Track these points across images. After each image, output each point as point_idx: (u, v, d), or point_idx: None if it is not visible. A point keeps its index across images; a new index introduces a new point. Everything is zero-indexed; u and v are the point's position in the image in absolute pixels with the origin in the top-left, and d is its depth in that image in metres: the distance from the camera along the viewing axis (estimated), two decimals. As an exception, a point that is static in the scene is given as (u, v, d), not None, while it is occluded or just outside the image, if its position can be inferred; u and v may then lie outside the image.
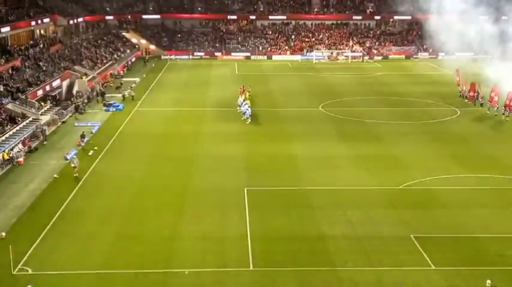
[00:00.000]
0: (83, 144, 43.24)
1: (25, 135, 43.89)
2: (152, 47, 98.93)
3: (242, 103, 53.61)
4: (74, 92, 61.02)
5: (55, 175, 36.77)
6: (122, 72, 79.74)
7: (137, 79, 73.63)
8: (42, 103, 52.58)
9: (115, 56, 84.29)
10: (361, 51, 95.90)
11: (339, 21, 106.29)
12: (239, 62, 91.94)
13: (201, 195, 33.42)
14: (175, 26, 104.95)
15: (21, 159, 39.91)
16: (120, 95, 62.11)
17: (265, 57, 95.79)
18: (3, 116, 44.87)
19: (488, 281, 22.83)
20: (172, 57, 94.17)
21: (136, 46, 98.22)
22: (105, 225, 29.39)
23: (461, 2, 65.51)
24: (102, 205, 32.13)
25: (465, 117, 52.88)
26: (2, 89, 49.57)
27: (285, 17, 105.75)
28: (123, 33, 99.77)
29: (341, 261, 25.70)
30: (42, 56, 64.47)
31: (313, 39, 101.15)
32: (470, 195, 33.60)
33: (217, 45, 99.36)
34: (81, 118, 53.08)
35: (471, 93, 58.71)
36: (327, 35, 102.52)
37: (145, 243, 27.34)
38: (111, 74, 75.61)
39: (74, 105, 55.77)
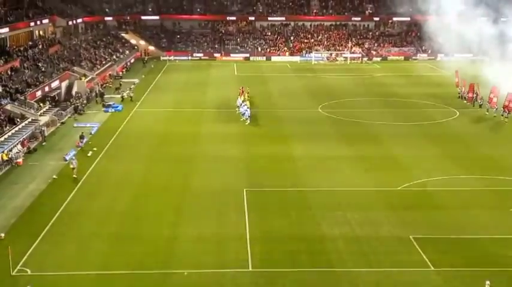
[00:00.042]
0: (82, 145, 43.21)
1: (24, 136, 43.85)
2: (151, 48, 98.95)
3: (241, 104, 53.61)
4: (73, 93, 60.98)
5: (54, 176, 36.75)
6: (121, 73, 79.73)
7: (136, 80, 73.66)
8: (41, 104, 52.52)
9: (114, 57, 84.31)
10: (360, 53, 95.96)
11: (337, 23, 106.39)
12: (238, 63, 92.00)
13: (200, 196, 33.41)
14: (174, 27, 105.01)
15: (20, 160, 39.88)
16: (119, 95, 62.11)
17: (264, 58, 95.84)
18: (2, 117, 44.81)
19: (488, 282, 22.80)
20: (172, 58, 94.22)
21: (136, 47, 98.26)
22: (104, 226, 29.37)
23: (460, 3, 65.61)
24: (101, 205, 32.12)
25: (464, 119, 52.93)
26: (1, 90, 49.53)
27: (284, 18, 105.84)
28: (122, 34, 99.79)
29: (340, 262, 25.70)
30: (41, 57, 64.44)
31: (312, 40, 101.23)
32: (470, 196, 33.62)
33: (216, 46, 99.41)
34: (80, 119, 53.06)
35: (470, 95, 58.77)
36: (325, 36, 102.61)
37: (145, 244, 27.32)
38: (110, 75, 75.61)
39: (73, 106, 55.75)
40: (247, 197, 33.04)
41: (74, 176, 36.25)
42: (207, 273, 24.71)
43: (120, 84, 68.23)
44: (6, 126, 43.86)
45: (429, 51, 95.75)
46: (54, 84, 58.59)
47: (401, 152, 42.10)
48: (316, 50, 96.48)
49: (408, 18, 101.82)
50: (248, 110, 51.36)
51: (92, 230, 28.92)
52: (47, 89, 56.47)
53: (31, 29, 70.23)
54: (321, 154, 41.79)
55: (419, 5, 76.25)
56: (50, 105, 53.90)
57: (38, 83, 55.74)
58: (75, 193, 34.02)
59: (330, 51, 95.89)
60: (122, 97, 60.99)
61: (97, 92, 62.84)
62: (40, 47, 67.73)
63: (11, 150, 40.42)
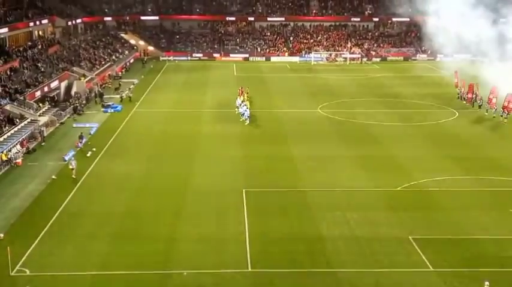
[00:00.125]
0: (81, 145, 43.17)
1: (23, 137, 43.84)
2: (151, 48, 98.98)
3: (241, 104, 53.60)
4: (73, 93, 60.98)
5: (53, 176, 36.72)
6: (120, 73, 79.72)
7: (135, 80, 73.67)
8: (41, 104, 52.55)
9: (113, 57, 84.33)
10: (359, 53, 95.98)
11: (337, 23, 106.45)
12: (237, 63, 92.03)
13: (200, 196, 33.38)
14: (173, 27, 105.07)
15: (19, 160, 39.84)
16: (118, 96, 62.09)
17: (264, 58, 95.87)
18: (1, 117, 44.81)
19: (487, 283, 22.78)
20: (171, 58, 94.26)
21: (135, 47, 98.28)
22: (103, 226, 29.34)
23: (459, 4, 65.57)
24: (100, 206, 32.10)
25: (463, 119, 52.94)
26: (0, 90, 49.53)
27: (283, 19, 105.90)
28: (122, 35, 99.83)
29: (339, 262, 25.69)
30: (41, 57, 64.43)
31: (312, 40, 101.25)
32: (469, 197, 33.61)
33: (215, 46, 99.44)
34: (80, 119, 53.04)
35: (469, 95, 58.78)
36: (325, 36, 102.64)
37: (144, 244, 27.29)
38: (109, 75, 75.59)
39: (72, 106, 55.72)
40: (247, 198, 33.02)
41: (73, 176, 36.22)
42: (206, 273, 24.68)
43: (120, 85, 68.25)
44: (5, 127, 43.86)
45: (429, 52, 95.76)
46: (54, 84, 58.60)
47: (400, 152, 42.10)
48: (316, 51, 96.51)
49: (408, 19, 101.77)
50: (247, 110, 51.36)
51: (91, 230, 28.90)
52: (46, 89, 56.49)
53: (30, 29, 70.24)
54: (320, 154, 41.79)
55: (418, 6, 76.20)
56: (49, 106, 53.90)
57: (37, 83, 55.74)
58: (74, 193, 34.00)
59: (329, 52, 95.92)
60: (121, 97, 60.98)
61: (96, 92, 62.83)
62: (39, 47, 67.74)
63: (10, 150, 40.42)
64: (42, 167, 38.89)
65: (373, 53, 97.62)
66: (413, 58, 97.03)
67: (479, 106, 56.54)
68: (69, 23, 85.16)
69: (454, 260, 25.95)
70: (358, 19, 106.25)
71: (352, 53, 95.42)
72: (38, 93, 54.19)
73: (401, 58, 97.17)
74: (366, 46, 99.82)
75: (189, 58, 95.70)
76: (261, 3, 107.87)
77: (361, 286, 24.00)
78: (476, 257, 26.26)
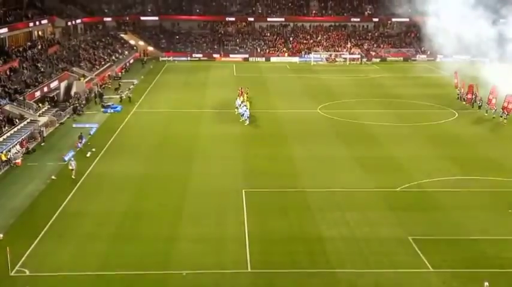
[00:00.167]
0: (80, 145, 43.16)
1: (23, 137, 43.83)
2: (150, 48, 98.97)
3: (240, 105, 53.59)
4: (72, 93, 60.97)
5: (53, 177, 36.72)
6: (120, 73, 79.70)
7: (135, 81, 73.64)
8: (40, 104, 52.53)
9: (113, 57, 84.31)
10: (359, 53, 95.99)
11: (337, 23, 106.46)
12: (237, 63, 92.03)
13: (199, 197, 33.39)
14: (173, 27, 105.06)
15: (18, 160, 39.84)
16: (117, 96, 62.09)
17: (264, 59, 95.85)
18: (1, 118, 44.82)
19: (486, 284, 22.79)
20: (171, 58, 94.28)
21: (135, 48, 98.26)
22: (103, 227, 29.34)
23: (459, 4, 65.56)
24: (100, 206, 32.10)
25: (463, 120, 52.95)
26: (0, 90, 49.53)
27: (283, 19, 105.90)
28: (121, 35, 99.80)
29: (339, 263, 25.70)
30: (40, 58, 64.43)
31: (311, 41, 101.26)
32: (469, 197, 33.61)
33: (215, 47, 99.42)
34: (79, 120, 53.03)
35: (469, 96, 58.78)
36: (325, 37, 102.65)
37: (144, 244, 27.30)
38: (109, 75, 75.57)
39: (72, 106, 55.72)
40: (246, 198, 33.03)
41: (73, 177, 36.19)
42: (206, 274, 24.69)
43: (120, 85, 68.23)
44: (5, 127, 43.85)
45: (428, 52, 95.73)
46: (53, 84, 58.59)
47: (400, 153, 42.10)
48: (316, 51, 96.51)
49: (407, 19, 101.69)
50: (247, 110, 51.35)
51: (90, 230, 28.90)
52: (46, 89, 56.47)
53: (30, 29, 70.24)
54: (320, 154, 41.79)
55: (418, 6, 76.19)
56: (49, 106, 53.90)
57: (37, 84, 55.73)
58: (74, 193, 34.00)
59: (329, 52, 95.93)
60: (121, 98, 60.96)
61: (96, 92, 62.82)
62: (39, 47, 67.73)
63: (9, 150, 40.43)
64: (41, 168, 38.88)
65: (373, 53, 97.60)
66: (413, 59, 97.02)
67: (479, 107, 56.55)
68: (69, 23, 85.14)
69: (453, 260, 25.96)
70: (358, 19, 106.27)
71: (352, 54, 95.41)
72: (38, 94, 54.17)
73: (401, 59, 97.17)
74: (365, 46, 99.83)
75: (188, 58, 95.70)
76: (261, 3, 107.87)
77: (360, 286, 24.00)
78: (476, 258, 26.28)
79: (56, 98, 58.05)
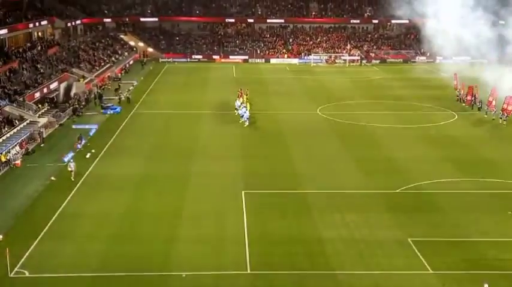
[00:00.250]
0: (80, 146, 43.16)
1: (22, 138, 43.80)
2: (150, 49, 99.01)
3: (240, 106, 53.60)
4: (72, 94, 60.96)
5: (52, 177, 36.68)
6: (119, 74, 79.71)
7: (135, 82, 73.66)
8: (40, 105, 52.50)
9: (113, 58, 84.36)
10: (359, 55, 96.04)
11: (336, 25, 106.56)
12: (237, 65, 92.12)
13: (199, 198, 33.38)
14: (173, 28, 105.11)
15: (18, 161, 39.82)
16: (116, 97, 62.07)
17: (263, 60, 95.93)
18: (0, 119, 44.79)
19: (486, 286, 22.78)
20: (170, 60, 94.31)
21: (134, 49, 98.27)
22: (102, 228, 29.31)
23: (458, 6, 65.60)
24: (99, 207, 32.07)
25: (463, 121, 52.98)
26: (-1, 91, 49.59)
27: (283, 21, 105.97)
28: (121, 36, 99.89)
29: (339, 264, 25.68)
30: (40, 59, 64.43)
31: (311, 42, 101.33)
32: (468, 199, 33.60)
33: (215, 48, 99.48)
34: (79, 121, 52.99)
35: (468, 97, 58.82)
36: (324, 38, 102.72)
37: (143, 246, 27.27)
38: (109, 76, 75.58)
39: (71, 107, 55.70)
40: (246, 199, 33.02)
41: (72, 179, 36.14)
42: (206, 275, 24.66)
43: (119, 86, 68.22)
44: (4, 128, 43.84)
45: (428, 54, 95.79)
46: (53, 85, 58.59)
47: (400, 154, 42.10)
48: (315, 52, 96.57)
49: (407, 21, 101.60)
50: (247, 112, 51.37)
51: (90, 231, 28.88)
52: (45, 90, 56.47)
53: (30, 30, 70.26)
54: (319, 155, 41.81)
55: (418, 8, 76.21)
56: (49, 107, 53.89)
57: (36, 85, 55.73)
58: (73, 194, 33.97)
59: (328, 54, 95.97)
60: (120, 99, 60.95)
61: (95, 93, 62.82)
62: (39, 48, 67.75)
63: (9, 151, 40.40)
64: (41, 169, 38.85)
65: (373, 55, 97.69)
66: (412, 60, 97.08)
67: (479, 108, 56.59)
68: (69, 24, 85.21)
69: (453, 262, 25.94)
70: (358, 21, 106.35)
71: (352, 55, 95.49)
72: (37, 95, 54.16)
73: (401, 60, 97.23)
74: (365, 48, 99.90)
75: (188, 60, 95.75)
76: (261, 5, 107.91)
77: (360, 288, 24.02)
78: (476, 260, 26.24)
79: (55, 99, 58.02)
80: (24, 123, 46.67)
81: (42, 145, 44.88)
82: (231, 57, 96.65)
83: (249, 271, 25.10)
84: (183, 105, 59.74)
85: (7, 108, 47.26)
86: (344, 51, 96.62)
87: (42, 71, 60.58)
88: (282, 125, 50.84)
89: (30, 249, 26.81)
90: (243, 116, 51.26)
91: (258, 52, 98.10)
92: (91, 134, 47.66)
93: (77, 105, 56.39)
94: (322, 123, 51.78)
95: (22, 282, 24.07)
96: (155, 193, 34.25)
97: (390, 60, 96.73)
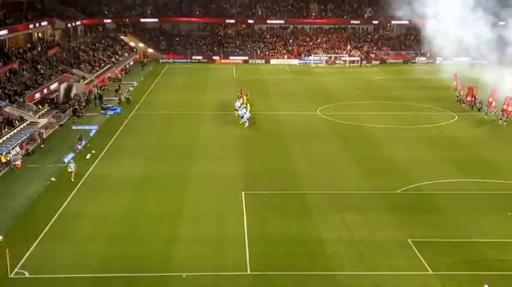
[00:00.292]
0: (80, 147, 43.18)
1: (22, 139, 43.81)
2: (150, 50, 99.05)
3: (240, 107, 53.60)
4: (72, 95, 60.96)
5: (52, 178, 36.68)
6: (120, 75, 79.73)
7: (135, 82, 73.69)
8: (40, 106, 52.53)
9: (113, 59, 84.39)
10: (359, 56, 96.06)
11: (336, 26, 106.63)
12: (237, 66, 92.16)
13: (199, 198, 33.39)
14: (173, 29, 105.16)
15: (18, 162, 39.82)
16: (116, 98, 62.08)
17: (263, 61, 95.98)
18: (0, 119, 44.81)
19: (486, 286, 22.80)
20: (170, 60, 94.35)
21: (135, 49, 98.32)
22: (102, 228, 29.31)
23: (458, 7, 65.64)
24: (99, 208, 32.07)
25: (463, 122, 52.99)
26: (-1, 92, 49.61)
27: (283, 21, 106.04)
28: (121, 37, 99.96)
29: (339, 265, 25.68)
30: (40, 59, 64.47)
31: (311, 43, 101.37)
32: (468, 200, 33.60)
33: (215, 49, 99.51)
34: (79, 121, 53.00)
35: (468, 98, 58.84)
36: (324, 39, 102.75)
37: (143, 246, 27.28)
38: (109, 77, 75.61)
39: (71, 108, 55.71)
40: (246, 200, 33.02)
41: (72, 180, 36.14)
42: (206, 276, 24.66)
43: (119, 87, 68.24)
44: (4, 129, 43.85)
45: (428, 55, 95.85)
46: (53, 86, 58.61)
47: (400, 155, 42.11)
48: (315, 53, 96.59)
49: (407, 22, 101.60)
50: (247, 112, 51.38)
51: (90, 232, 28.88)
52: (45, 91, 56.50)
53: (30, 31, 70.32)
54: (319, 156, 41.82)
55: (418, 9, 76.23)
56: (49, 108, 53.90)
57: (36, 85, 55.77)
58: (73, 195, 33.97)
59: (329, 54, 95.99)
60: (119, 99, 60.98)
61: (96, 94, 62.84)
62: (39, 49, 67.79)
63: (9, 152, 40.42)
64: (41, 169, 38.85)
65: (373, 55, 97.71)
66: (412, 61, 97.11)
67: (479, 109, 56.61)
68: (69, 25, 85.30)
69: (453, 263, 25.93)
70: (358, 22, 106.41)
71: (352, 56, 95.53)
72: (38, 95, 54.19)
73: (401, 61, 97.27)
74: (365, 49, 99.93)
75: (188, 60, 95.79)
76: (261, 5, 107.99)
77: (360, 288, 24.02)
78: (476, 260, 26.24)
79: (55, 100, 58.04)
80: (25, 124, 46.69)
81: (42, 146, 44.89)
82: (231, 58, 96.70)
83: (249, 272, 25.09)
84: (183, 106, 59.76)
85: (7, 109, 47.28)
86: (344, 52, 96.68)
87: (42, 71, 60.61)
88: (282, 126, 50.86)
89: (30, 250, 26.81)
90: (243, 116, 51.28)
91: (258, 53, 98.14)
92: (91, 134, 47.67)
93: (77, 106, 56.40)
94: (322, 124, 51.80)
95: (22, 283, 24.07)
96: (155, 193, 34.26)
97: (390, 61, 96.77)
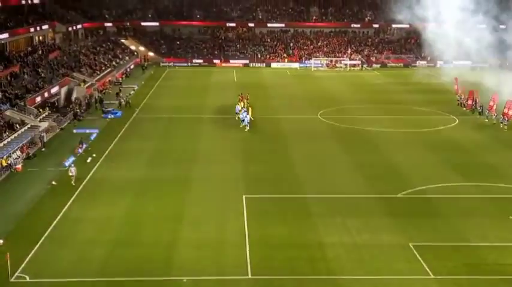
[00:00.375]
0: (81, 151, 43.18)
1: (23, 142, 43.83)
2: (151, 54, 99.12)
3: (240, 110, 53.59)
4: (73, 98, 61.03)
5: (53, 182, 36.66)
6: (120, 79, 79.80)
7: (136, 86, 73.74)
8: (41, 110, 52.55)
9: (114, 63, 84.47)
10: (359, 59, 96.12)
11: (337, 29, 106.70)
12: (238, 69, 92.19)
13: (200, 202, 33.36)
14: (174, 33, 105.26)
15: (19, 166, 39.82)
16: (117, 102, 62.10)
17: (264, 64, 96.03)
18: (1, 123, 44.84)
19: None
20: (171, 64, 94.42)
21: (135, 53, 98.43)
22: (103, 232, 29.28)
23: (459, 10, 65.72)
24: (100, 212, 32.04)
25: (463, 126, 52.97)
26: (0, 96, 49.57)
27: (283, 25, 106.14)
28: (122, 40, 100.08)
29: (340, 269, 25.64)
30: (41, 63, 64.52)
31: (312, 47, 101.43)
32: (469, 204, 33.57)
33: (216, 52, 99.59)
34: (80, 125, 53.00)
35: (469, 102, 58.85)
36: (325, 42, 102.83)
37: (144, 250, 27.24)
38: (109, 81, 75.66)
39: (72, 112, 55.75)
40: (247, 204, 33.00)
41: (73, 183, 36.12)
42: (206, 280, 24.63)
43: (120, 90, 68.29)
44: (5, 132, 43.86)
45: (428, 58, 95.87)
46: (54, 90, 58.66)
47: (401, 159, 42.09)
48: (316, 57, 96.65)
49: (407, 25, 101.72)
50: (247, 116, 51.37)
51: (90, 236, 28.84)
52: (46, 94, 56.53)
53: (31, 34, 70.42)
54: (320, 160, 41.81)
55: (418, 12, 76.32)
56: (50, 111, 53.92)
57: (37, 89, 55.80)
58: (74, 199, 33.95)
59: (329, 58, 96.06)
60: (120, 103, 61.01)
61: (96, 98, 62.88)
62: (40, 52, 67.86)
63: (10, 156, 40.41)
64: (42, 173, 38.84)
65: (373, 59, 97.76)
66: (413, 65, 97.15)
67: (479, 113, 56.60)
68: (70, 28, 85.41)
69: (454, 267, 25.90)
70: (358, 25, 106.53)
71: (352, 60, 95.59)
72: (39, 99, 54.22)
73: (401, 65, 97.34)
74: (366, 52, 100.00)
75: (189, 64, 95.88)
76: (261, 9, 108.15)
77: (361, 293, 23.99)
78: (477, 265, 26.21)
79: (56, 104, 58.11)
80: (25, 128, 46.71)
81: (43, 150, 44.89)
82: (231, 61, 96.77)
83: (249, 276, 25.06)
84: (183, 109, 59.76)
85: (8, 113, 47.30)
86: (345, 56, 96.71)
87: (43, 75, 60.66)
88: (283, 130, 50.86)
89: (30, 254, 26.79)
90: (243, 120, 51.25)
91: (259, 56, 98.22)
92: (92, 138, 47.66)
93: (78, 110, 56.45)
94: (322, 128, 51.79)
95: (23, 287, 24.07)
96: (156, 197, 34.23)
97: (391, 65, 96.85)
